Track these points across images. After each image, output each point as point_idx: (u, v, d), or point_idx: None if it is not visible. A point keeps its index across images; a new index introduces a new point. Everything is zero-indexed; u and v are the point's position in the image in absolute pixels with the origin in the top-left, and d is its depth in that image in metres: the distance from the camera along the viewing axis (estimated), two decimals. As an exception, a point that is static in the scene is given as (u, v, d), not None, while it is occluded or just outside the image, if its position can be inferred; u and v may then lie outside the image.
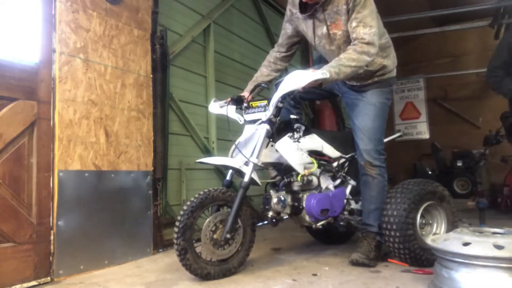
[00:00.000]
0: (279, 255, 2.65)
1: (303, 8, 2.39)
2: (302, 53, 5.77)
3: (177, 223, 2.04)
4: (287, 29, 2.62)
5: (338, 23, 2.27)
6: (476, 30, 7.67)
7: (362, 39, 2.18)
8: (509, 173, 5.34)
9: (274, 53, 2.70)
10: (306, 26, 2.47)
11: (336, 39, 2.35)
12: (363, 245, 2.37)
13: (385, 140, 2.82)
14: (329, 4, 2.27)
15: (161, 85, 2.97)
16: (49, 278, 2.14)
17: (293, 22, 2.56)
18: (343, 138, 2.71)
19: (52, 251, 2.16)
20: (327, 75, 2.10)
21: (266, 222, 3.75)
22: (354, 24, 2.21)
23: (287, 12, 2.57)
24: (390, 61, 2.50)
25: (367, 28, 2.18)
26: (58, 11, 2.26)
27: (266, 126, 2.26)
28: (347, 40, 2.30)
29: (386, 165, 2.49)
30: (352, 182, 2.61)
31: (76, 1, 2.36)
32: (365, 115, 2.47)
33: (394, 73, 2.55)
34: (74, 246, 2.25)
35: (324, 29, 2.35)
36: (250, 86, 2.60)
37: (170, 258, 2.64)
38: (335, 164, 2.60)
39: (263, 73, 2.68)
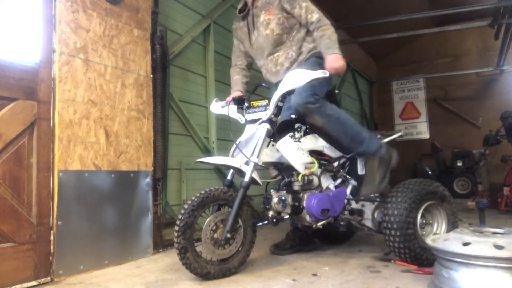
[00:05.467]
0: (279, 255, 2.65)
1: (242, 10, 2.79)
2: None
3: (177, 222, 2.04)
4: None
5: (270, 10, 2.65)
6: (476, 30, 7.68)
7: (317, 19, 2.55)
8: (509, 173, 5.35)
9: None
10: (242, 30, 2.82)
11: (270, 23, 2.64)
12: (368, 173, 2.52)
13: (386, 140, 2.83)
14: (259, 0, 2.70)
15: (161, 85, 2.97)
16: (49, 278, 2.14)
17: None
18: None
19: (52, 251, 2.16)
20: (327, 74, 2.21)
21: (266, 222, 3.75)
22: (303, 13, 2.57)
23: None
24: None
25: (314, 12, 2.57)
26: (58, 11, 2.26)
27: (267, 126, 2.26)
28: (279, 22, 2.62)
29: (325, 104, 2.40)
30: (353, 182, 2.61)
31: (76, 1, 2.35)
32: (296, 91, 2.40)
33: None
34: (74, 246, 2.24)
35: (261, 18, 2.68)
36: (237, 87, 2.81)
37: (170, 258, 2.64)
38: (335, 164, 2.60)
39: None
